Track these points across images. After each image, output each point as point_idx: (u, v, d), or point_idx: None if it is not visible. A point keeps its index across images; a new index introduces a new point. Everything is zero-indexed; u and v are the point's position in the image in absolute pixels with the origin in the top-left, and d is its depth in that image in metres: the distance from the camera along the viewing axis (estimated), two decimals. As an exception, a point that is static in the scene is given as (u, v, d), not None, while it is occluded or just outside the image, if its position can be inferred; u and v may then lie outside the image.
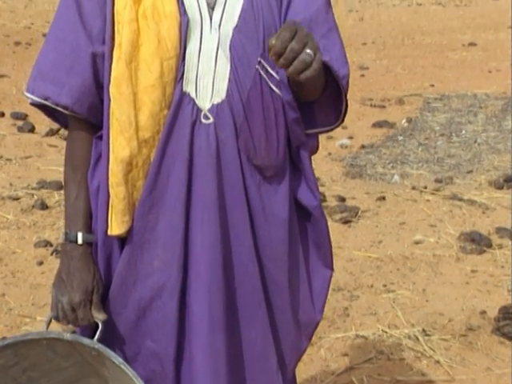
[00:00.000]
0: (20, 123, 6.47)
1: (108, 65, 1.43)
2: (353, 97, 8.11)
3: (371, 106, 7.80)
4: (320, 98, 1.50)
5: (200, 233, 1.45)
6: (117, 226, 1.45)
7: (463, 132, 6.69)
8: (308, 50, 1.24)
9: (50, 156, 5.57)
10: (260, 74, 1.44)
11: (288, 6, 1.49)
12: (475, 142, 6.35)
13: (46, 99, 1.47)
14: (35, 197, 4.62)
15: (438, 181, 5.22)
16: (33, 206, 4.46)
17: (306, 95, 1.48)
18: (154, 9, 1.40)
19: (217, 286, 1.46)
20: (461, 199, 4.79)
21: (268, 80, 1.45)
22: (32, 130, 6.30)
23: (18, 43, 11.56)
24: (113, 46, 1.42)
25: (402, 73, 10.06)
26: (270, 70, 1.45)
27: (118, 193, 1.43)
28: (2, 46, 11.24)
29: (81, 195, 1.50)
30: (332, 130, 1.57)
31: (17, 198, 4.60)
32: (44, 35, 12.44)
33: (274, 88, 1.46)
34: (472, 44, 12.72)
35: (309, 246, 1.59)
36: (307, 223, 1.58)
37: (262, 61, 1.44)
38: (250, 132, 1.46)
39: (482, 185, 5.14)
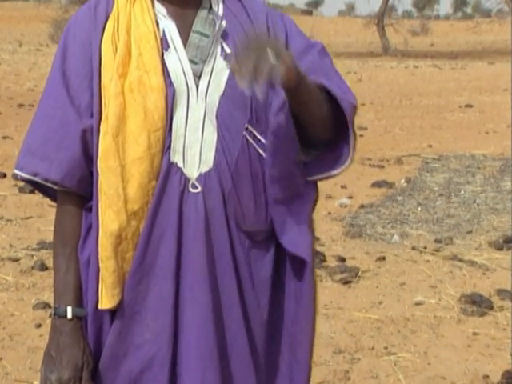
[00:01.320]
0: (21, 184, 6.52)
1: (97, 138, 1.44)
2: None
3: (370, 165, 7.86)
4: (326, 132, 1.50)
5: (190, 302, 1.45)
6: (107, 300, 1.44)
7: (462, 192, 6.73)
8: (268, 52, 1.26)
9: (50, 216, 5.58)
10: (247, 140, 1.46)
11: None
12: (474, 202, 6.38)
13: (35, 175, 1.47)
14: (35, 258, 4.61)
15: (437, 241, 5.23)
16: (32, 267, 4.45)
17: (312, 121, 1.46)
18: (140, 82, 1.42)
19: (209, 356, 1.44)
20: (461, 260, 4.78)
21: (256, 145, 1.47)
22: (33, 190, 6.30)
23: (21, 105, 11.73)
24: (100, 119, 1.43)
25: (400, 133, 10.19)
26: (257, 135, 1.47)
27: (107, 266, 1.43)
28: (6, 108, 11.41)
29: (70, 269, 1.48)
30: (339, 173, 1.57)
31: (16, 259, 4.60)
32: (47, 97, 12.64)
33: (262, 152, 1.47)
34: (469, 106, 12.92)
35: (291, 311, 1.54)
36: (294, 283, 1.54)
37: (250, 127, 1.46)
38: (239, 199, 1.46)
39: (482, 245, 5.14)
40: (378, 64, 24.68)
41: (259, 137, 1.47)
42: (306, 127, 1.47)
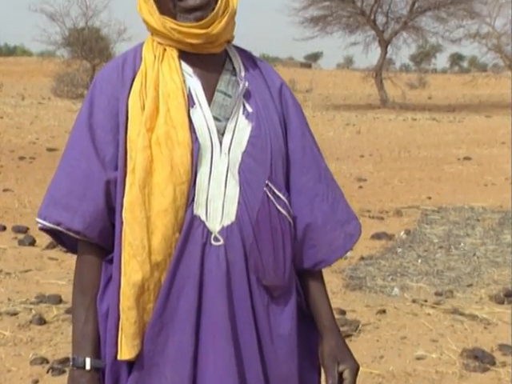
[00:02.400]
0: (21, 236, 6.52)
1: (121, 190, 1.47)
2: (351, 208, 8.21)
3: (370, 217, 7.88)
4: None
5: (212, 355, 1.45)
6: (127, 351, 1.44)
7: (462, 245, 6.72)
8: None
9: (49, 269, 5.57)
10: (268, 196, 1.50)
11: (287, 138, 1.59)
12: (474, 255, 6.37)
13: (58, 224, 1.50)
14: (33, 311, 4.58)
15: (438, 294, 5.20)
16: (30, 322, 4.42)
17: None
18: (168, 137, 1.46)
19: None
20: (462, 314, 4.75)
21: (275, 201, 1.50)
22: (33, 243, 6.33)
23: (22, 158, 11.82)
24: (125, 171, 1.47)
25: (399, 185, 10.23)
26: (277, 191, 1.51)
27: (129, 316, 1.44)
28: (7, 161, 11.48)
29: (89, 319, 1.50)
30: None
31: (15, 313, 4.56)
32: (48, 149, 12.75)
33: (281, 209, 1.51)
34: (467, 158, 13.01)
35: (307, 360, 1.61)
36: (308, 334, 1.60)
37: (270, 183, 1.50)
38: (260, 253, 1.49)
39: (483, 299, 5.11)
40: (376, 116, 24.94)
41: (278, 193, 1.51)
42: None
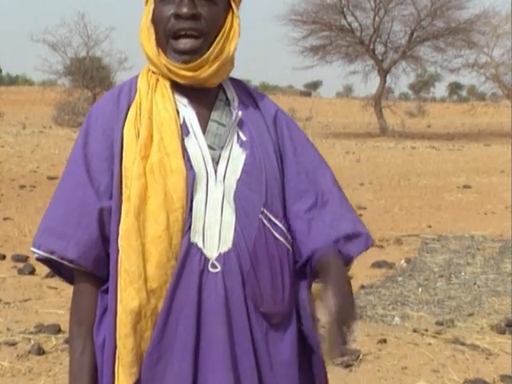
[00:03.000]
0: (21, 265, 6.50)
1: (116, 218, 1.48)
2: (351, 237, 8.21)
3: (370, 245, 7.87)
4: None
5: (212, 382, 1.45)
6: (124, 379, 1.44)
7: (462, 274, 6.71)
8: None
9: (49, 298, 5.55)
10: (264, 224, 1.50)
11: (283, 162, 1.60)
12: (475, 284, 6.35)
13: (51, 253, 1.51)
14: (32, 341, 4.55)
15: (439, 323, 5.17)
16: (29, 352, 4.39)
17: None
18: (161, 164, 1.48)
19: None
20: (463, 343, 4.72)
21: (272, 228, 1.51)
22: (32, 271, 6.31)
23: (22, 186, 11.84)
24: (121, 200, 1.48)
25: (399, 213, 10.23)
26: (273, 219, 1.52)
27: (126, 344, 1.44)
28: (8, 190, 11.49)
29: (86, 350, 1.50)
30: None
31: (13, 344, 4.53)
32: (49, 178, 12.77)
33: (278, 236, 1.51)
34: (467, 186, 13.03)
35: None
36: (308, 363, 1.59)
37: (265, 210, 1.51)
38: (257, 280, 1.49)
39: (484, 329, 5.08)
40: (376, 144, 25.04)
41: (274, 220, 1.52)
42: None
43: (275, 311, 1.51)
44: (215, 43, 1.52)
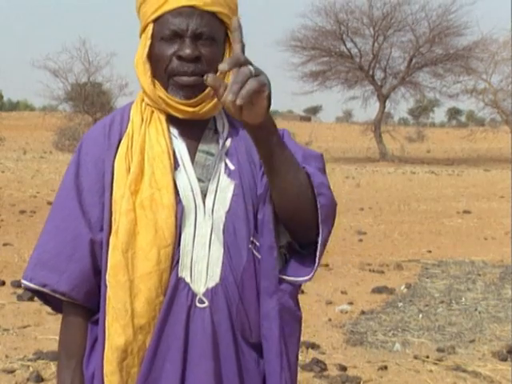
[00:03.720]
0: (20, 291, 6.47)
1: (105, 251, 1.47)
2: (352, 262, 8.22)
3: (370, 270, 7.85)
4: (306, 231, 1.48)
5: None
6: None
7: (463, 299, 6.69)
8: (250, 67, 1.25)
9: (48, 324, 5.52)
10: (253, 254, 1.49)
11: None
12: (476, 310, 6.32)
13: (44, 286, 1.50)
14: (31, 369, 4.52)
15: (440, 350, 5.14)
16: (28, 379, 4.36)
17: (288, 195, 1.43)
18: (152, 199, 1.46)
19: None
20: (464, 370, 4.69)
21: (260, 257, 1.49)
22: (32, 298, 6.28)
23: (22, 211, 11.83)
24: (110, 233, 1.47)
25: (399, 238, 10.22)
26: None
27: (112, 381, 1.43)
28: (8, 215, 11.49)
29: (75, 383, 1.49)
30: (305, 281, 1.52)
31: (12, 371, 4.50)
32: (49, 203, 12.76)
33: None
34: (467, 212, 13.03)
35: None
36: None
37: (255, 240, 1.49)
38: (246, 313, 1.48)
39: (486, 355, 5.05)
40: (375, 169, 25.08)
41: None
42: (287, 208, 1.45)
43: None
44: None
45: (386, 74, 35.11)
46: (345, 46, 34.44)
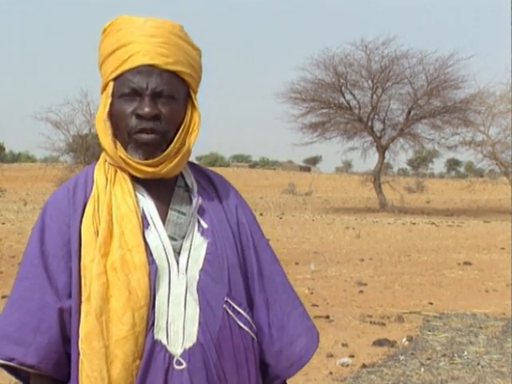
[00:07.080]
0: None
1: (76, 319, 1.43)
2: (352, 313, 8.15)
3: (371, 323, 7.79)
4: None
5: None
6: None
7: (465, 353, 6.62)
8: None
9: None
10: (228, 313, 1.48)
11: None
12: (478, 364, 6.25)
13: (10, 360, 1.45)
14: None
15: (442, 405, 5.07)
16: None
17: None
18: (123, 261, 1.44)
19: None
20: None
21: (236, 318, 1.49)
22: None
23: (22, 263, 11.78)
24: (80, 299, 1.43)
25: (400, 289, 10.17)
26: (236, 307, 1.50)
27: None
28: (7, 267, 11.43)
29: None
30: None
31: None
32: (49, 254, 12.73)
33: (243, 325, 1.50)
34: (467, 263, 12.99)
35: None
36: None
37: (229, 300, 1.49)
38: (224, 373, 1.46)
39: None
40: (375, 220, 25.07)
41: (238, 309, 1.50)
42: None
43: None
44: (176, 139, 1.51)
45: (385, 126, 35.41)
46: (344, 97, 34.84)
